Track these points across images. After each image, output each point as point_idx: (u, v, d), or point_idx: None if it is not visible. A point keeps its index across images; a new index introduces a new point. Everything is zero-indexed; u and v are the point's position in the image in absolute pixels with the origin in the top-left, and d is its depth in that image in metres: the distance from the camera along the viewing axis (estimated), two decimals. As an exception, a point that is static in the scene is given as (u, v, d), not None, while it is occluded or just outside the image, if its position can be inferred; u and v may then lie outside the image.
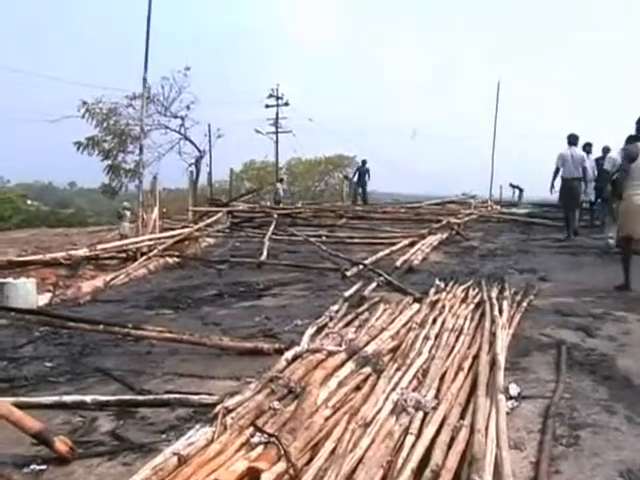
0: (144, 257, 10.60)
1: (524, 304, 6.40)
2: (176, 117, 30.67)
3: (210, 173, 31.09)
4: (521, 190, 28.06)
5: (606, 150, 15.58)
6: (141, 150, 15.71)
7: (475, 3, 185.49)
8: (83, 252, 10.78)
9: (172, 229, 14.12)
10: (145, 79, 14.03)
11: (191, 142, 31.17)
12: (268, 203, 26.53)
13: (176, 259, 11.18)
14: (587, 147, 15.88)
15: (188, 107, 30.45)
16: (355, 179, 27.69)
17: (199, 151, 31.17)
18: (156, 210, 13.80)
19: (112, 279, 9.15)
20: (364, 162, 27.46)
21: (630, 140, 8.02)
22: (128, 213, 21.02)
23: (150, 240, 11.95)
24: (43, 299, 7.94)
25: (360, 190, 26.78)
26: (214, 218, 16.10)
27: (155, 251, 10.99)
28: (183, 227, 14.44)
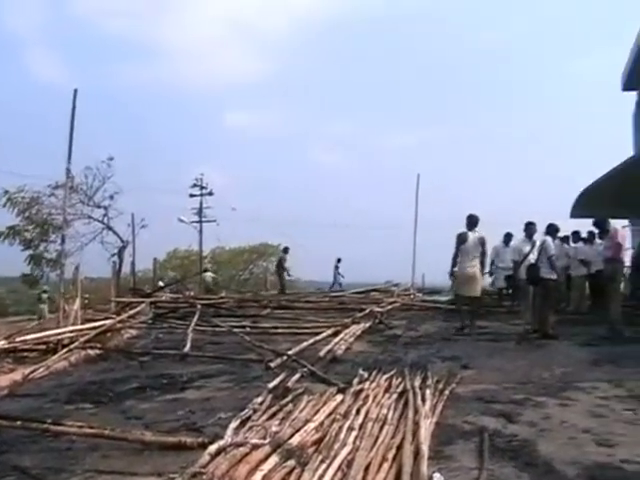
0: (65, 349, 10.29)
1: (447, 392, 6.50)
2: (99, 207, 30.56)
3: (133, 263, 30.74)
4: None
5: (507, 238, 16.50)
6: (63, 240, 15.50)
7: (399, 91, 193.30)
8: (1, 344, 10.42)
9: (94, 320, 13.79)
10: (68, 169, 14.01)
11: (114, 232, 31.01)
12: (192, 293, 26.29)
13: (98, 351, 10.91)
14: (507, 237, 16.62)
15: (112, 197, 30.48)
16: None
17: (122, 241, 30.93)
18: (78, 301, 13.54)
19: (31, 372, 8.82)
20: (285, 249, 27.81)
21: (460, 236, 12.32)
22: (45, 296, 20.67)
23: (71, 332, 11.63)
24: (-44, 395, 7.62)
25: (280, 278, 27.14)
26: (137, 309, 15.77)
27: (76, 343, 10.69)
28: (105, 318, 14.13)
